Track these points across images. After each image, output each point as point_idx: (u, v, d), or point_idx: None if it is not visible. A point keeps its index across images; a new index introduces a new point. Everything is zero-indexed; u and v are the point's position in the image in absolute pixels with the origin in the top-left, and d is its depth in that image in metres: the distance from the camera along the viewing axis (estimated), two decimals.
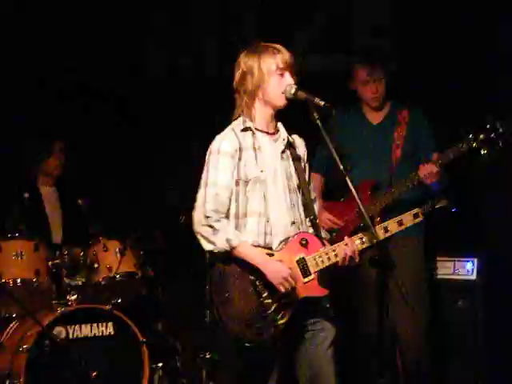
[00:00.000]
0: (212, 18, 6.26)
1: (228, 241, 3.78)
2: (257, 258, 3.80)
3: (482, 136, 4.67)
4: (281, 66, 3.86)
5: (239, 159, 3.86)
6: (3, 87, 5.93)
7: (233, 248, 3.78)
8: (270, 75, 3.86)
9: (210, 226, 3.81)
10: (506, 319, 5.35)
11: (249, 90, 3.88)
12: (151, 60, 6.32)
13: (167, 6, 6.25)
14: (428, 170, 4.75)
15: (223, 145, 3.87)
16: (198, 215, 3.85)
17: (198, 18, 6.26)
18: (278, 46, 3.92)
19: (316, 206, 4.05)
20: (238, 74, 3.92)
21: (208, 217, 3.81)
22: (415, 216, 4.02)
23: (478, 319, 5.29)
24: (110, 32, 6.18)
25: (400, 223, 3.99)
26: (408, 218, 4.01)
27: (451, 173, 4.87)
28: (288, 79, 3.88)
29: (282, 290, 3.77)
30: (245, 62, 3.89)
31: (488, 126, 4.68)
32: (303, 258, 3.84)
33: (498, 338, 5.32)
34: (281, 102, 3.89)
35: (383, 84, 5.02)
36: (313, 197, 4.04)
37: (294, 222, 3.90)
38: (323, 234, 4.02)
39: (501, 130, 4.66)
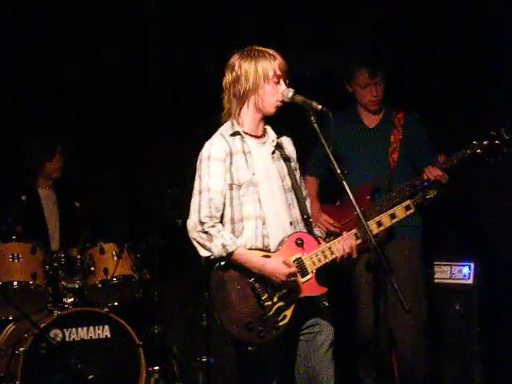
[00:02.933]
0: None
1: (224, 246, 3.77)
2: (254, 261, 3.79)
3: (486, 142, 4.69)
4: (278, 72, 3.85)
5: (230, 164, 3.86)
6: (4, 88, 5.95)
7: (229, 253, 3.78)
8: (266, 81, 3.85)
9: (205, 232, 3.80)
10: (502, 323, 5.36)
11: (241, 94, 3.86)
12: (150, 58, 6.32)
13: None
14: (434, 174, 4.75)
15: (213, 150, 3.86)
16: (192, 222, 3.85)
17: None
18: (274, 52, 3.90)
19: (308, 204, 4.05)
20: (230, 76, 3.88)
21: (203, 223, 3.81)
22: (407, 208, 4.02)
23: (474, 323, 5.30)
24: (108, 31, 6.20)
25: (392, 216, 3.98)
26: (400, 211, 4.00)
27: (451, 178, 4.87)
28: (283, 87, 3.87)
29: (287, 286, 3.76)
30: (240, 64, 3.86)
31: (493, 133, 4.69)
32: (300, 257, 3.85)
33: (493, 342, 5.33)
34: (272, 109, 3.89)
35: (382, 86, 5.02)
36: (304, 194, 4.05)
37: (291, 222, 3.91)
38: (318, 232, 4.03)
39: (506, 137, 4.67)
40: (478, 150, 4.70)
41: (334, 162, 3.81)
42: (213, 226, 3.82)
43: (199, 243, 3.83)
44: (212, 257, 3.80)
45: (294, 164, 4.02)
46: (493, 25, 5.60)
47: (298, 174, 4.02)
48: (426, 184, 4.70)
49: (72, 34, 6.10)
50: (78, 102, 6.11)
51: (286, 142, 4.04)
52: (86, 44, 6.10)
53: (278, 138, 3.99)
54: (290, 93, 3.86)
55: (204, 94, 5.94)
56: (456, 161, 4.74)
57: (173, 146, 6.20)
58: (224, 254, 3.78)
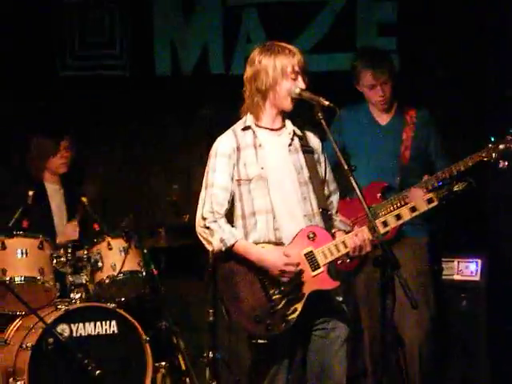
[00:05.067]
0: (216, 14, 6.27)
1: (222, 241, 3.79)
2: (252, 254, 3.80)
3: (502, 146, 4.67)
4: (296, 68, 3.86)
5: (238, 159, 3.87)
6: (13, 83, 5.98)
7: (228, 248, 3.79)
8: (284, 77, 3.85)
9: (207, 227, 3.84)
10: (510, 320, 5.35)
11: (261, 89, 3.87)
12: (156, 56, 6.33)
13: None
14: (416, 194, 4.70)
15: (220, 146, 3.90)
16: (197, 217, 3.90)
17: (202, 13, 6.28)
18: (294, 48, 3.90)
19: (335, 198, 4.05)
20: (250, 71, 3.90)
21: (205, 218, 3.85)
22: (429, 201, 3.93)
23: (482, 320, 5.29)
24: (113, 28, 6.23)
25: (413, 209, 3.91)
26: (421, 204, 3.92)
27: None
28: (300, 83, 3.87)
29: (284, 279, 3.77)
30: (260, 60, 3.87)
31: (509, 137, 4.68)
32: (311, 251, 3.84)
33: (500, 339, 5.32)
34: (288, 105, 3.89)
35: (390, 86, 5.00)
36: (332, 188, 4.04)
37: (305, 215, 3.90)
38: (342, 226, 4.01)
39: None
40: (494, 154, 4.69)
41: (341, 157, 3.81)
42: (214, 221, 3.84)
43: (203, 238, 3.87)
44: (214, 251, 3.82)
45: (318, 156, 3.99)
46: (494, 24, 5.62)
47: (322, 167, 4.00)
48: (440, 184, 4.69)
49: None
50: (85, 97, 6.13)
51: (310, 135, 4.04)
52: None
53: (302, 130, 3.98)
54: (297, 89, 3.85)
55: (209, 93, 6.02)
56: (471, 163, 4.73)
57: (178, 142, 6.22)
58: (223, 249, 3.80)
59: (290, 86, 3.85)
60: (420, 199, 3.94)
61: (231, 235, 3.80)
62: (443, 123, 5.19)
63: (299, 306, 3.80)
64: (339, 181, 4.10)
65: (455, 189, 4.12)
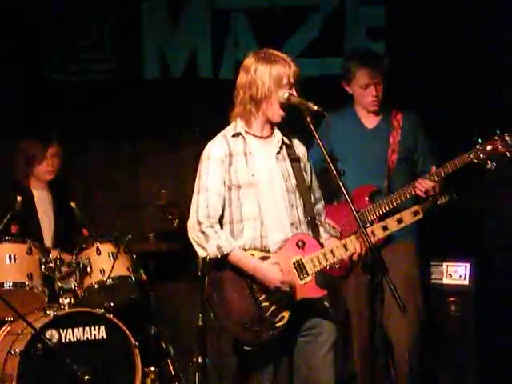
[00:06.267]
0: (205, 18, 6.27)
1: (219, 248, 3.78)
2: (249, 264, 3.80)
3: (489, 147, 4.68)
4: (291, 80, 3.84)
5: (230, 164, 3.86)
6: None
7: (224, 255, 3.78)
8: (279, 87, 3.83)
9: (203, 232, 3.82)
10: (498, 324, 5.36)
11: (256, 98, 3.84)
12: (145, 61, 6.33)
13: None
14: (425, 186, 4.74)
15: (213, 151, 3.88)
16: (191, 221, 3.87)
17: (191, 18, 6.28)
18: (289, 59, 3.87)
19: (321, 205, 4.06)
20: (245, 78, 3.86)
21: (200, 223, 3.82)
22: (415, 213, 4.01)
23: (470, 324, 5.30)
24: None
25: (399, 221, 3.98)
26: (408, 216, 3.99)
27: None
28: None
29: (276, 295, 3.77)
30: (256, 68, 3.84)
31: (496, 138, 4.69)
32: (300, 259, 3.84)
33: (489, 343, 5.33)
34: (278, 117, 3.88)
35: (382, 87, 5.01)
36: (318, 195, 4.05)
37: (292, 223, 3.90)
38: (333, 231, 4.03)
39: (509, 142, 4.67)
40: (481, 155, 4.70)
41: (329, 162, 3.81)
42: (210, 227, 3.82)
43: (197, 243, 3.85)
44: (208, 257, 3.81)
45: (304, 165, 3.99)
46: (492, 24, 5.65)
47: (308, 176, 4.00)
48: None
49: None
50: (73, 101, 6.12)
51: (297, 142, 4.03)
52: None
53: (289, 139, 3.98)
54: (286, 94, 3.84)
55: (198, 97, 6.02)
56: (459, 164, 4.74)
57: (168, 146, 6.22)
58: (219, 256, 3.78)
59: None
60: (407, 211, 3.99)
61: (228, 243, 3.80)
62: (431, 126, 5.19)
63: (287, 314, 3.80)
64: (327, 185, 4.11)
65: (438, 202, 4.25)
